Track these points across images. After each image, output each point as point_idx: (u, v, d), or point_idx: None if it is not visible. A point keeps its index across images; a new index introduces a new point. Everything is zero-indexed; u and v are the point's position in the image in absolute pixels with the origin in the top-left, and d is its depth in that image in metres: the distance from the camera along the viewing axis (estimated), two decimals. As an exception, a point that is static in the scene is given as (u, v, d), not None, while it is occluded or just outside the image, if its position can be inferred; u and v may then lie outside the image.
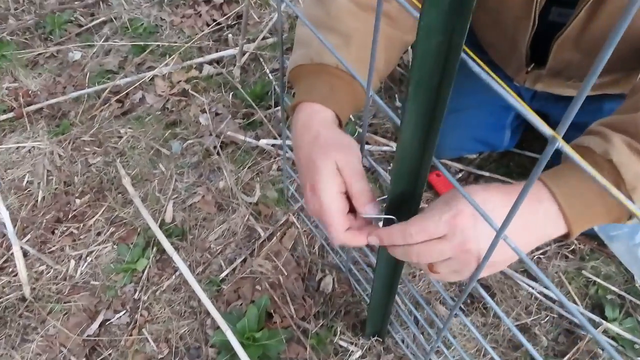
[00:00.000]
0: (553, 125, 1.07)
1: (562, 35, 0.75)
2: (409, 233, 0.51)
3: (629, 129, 0.54)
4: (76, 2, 1.76)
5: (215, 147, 1.29)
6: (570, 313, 1.00)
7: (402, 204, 0.55)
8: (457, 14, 0.36)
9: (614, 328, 0.97)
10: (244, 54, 1.50)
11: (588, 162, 0.54)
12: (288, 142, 1.17)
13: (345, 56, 0.64)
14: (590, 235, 1.09)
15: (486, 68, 0.37)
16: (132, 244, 1.14)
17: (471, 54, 0.38)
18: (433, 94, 0.42)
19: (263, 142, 1.28)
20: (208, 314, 1.01)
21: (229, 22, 1.66)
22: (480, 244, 0.48)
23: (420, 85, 0.42)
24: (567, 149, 0.33)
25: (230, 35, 1.59)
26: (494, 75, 0.36)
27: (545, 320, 1.00)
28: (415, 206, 0.55)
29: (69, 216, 1.20)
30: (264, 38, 1.57)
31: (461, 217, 0.49)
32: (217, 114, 1.39)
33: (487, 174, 1.21)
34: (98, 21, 1.69)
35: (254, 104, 1.37)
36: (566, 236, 0.54)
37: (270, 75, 1.46)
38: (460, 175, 1.22)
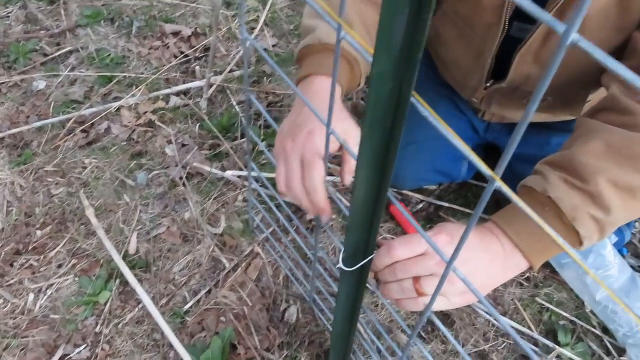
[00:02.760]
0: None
1: (524, 46, 0.81)
2: (393, 246, 0.57)
3: (564, 165, 0.61)
4: (42, 32, 1.76)
5: (181, 178, 1.30)
6: (526, 336, 1.04)
7: (361, 234, 0.58)
8: (406, 61, 0.40)
9: (567, 353, 1.02)
10: (211, 86, 1.52)
11: (532, 200, 0.61)
12: (253, 173, 1.19)
13: (352, 37, 0.70)
14: (543, 263, 1.14)
15: (433, 113, 0.41)
16: (94, 276, 1.12)
17: (419, 99, 0.42)
18: (386, 134, 0.46)
19: (229, 174, 1.30)
20: (171, 346, 1.00)
21: (197, 55, 1.69)
22: (458, 261, 0.52)
23: (374, 126, 0.45)
24: (505, 188, 0.36)
25: (197, 67, 1.62)
26: (441, 120, 0.40)
27: (502, 346, 1.04)
28: (373, 235, 0.58)
29: (29, 248, 1.18)
30: (231, 71, 1.60)
31: (440, 235, 0.57)
32: (183, 145, 1.40)
33: (446, 204, 1.26)
34: (64, 51, 1.69)
35: (220, 136, 1.39)
36: (531, 268, 0.62)
37: (236, 107, 1.49)
38: (421, 205, 1.27)
